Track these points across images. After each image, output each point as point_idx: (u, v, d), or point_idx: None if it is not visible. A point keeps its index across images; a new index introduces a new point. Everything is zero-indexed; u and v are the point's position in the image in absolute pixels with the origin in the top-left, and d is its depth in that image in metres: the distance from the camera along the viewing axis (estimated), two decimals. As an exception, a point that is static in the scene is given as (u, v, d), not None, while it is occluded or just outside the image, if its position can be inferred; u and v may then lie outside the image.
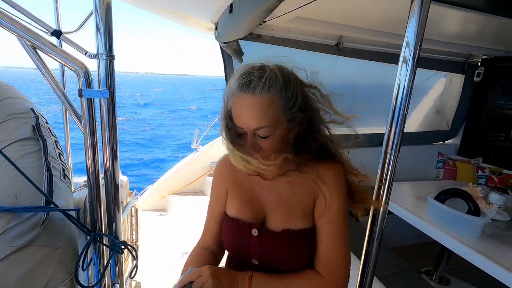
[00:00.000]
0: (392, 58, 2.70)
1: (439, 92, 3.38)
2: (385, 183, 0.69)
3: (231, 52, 2.01)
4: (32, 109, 1.15)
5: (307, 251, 0.77)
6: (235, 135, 0.74)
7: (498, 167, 2.79)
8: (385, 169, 0.68)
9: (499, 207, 1.69)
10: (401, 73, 0.63)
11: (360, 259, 0.82)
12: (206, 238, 0.91)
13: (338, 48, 2.44)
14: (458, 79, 3.18)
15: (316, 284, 0.74)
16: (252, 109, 0.67)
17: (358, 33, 2.29)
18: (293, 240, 0.75)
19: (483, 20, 1.82)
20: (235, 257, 0.86)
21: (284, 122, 0.70)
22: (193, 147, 3.74)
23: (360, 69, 2.72)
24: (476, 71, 3.01)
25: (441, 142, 3.39)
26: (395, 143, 0.66)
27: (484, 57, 2.99)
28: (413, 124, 3.45)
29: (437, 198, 1.58)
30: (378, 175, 0.68)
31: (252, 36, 2.13)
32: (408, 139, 3.25)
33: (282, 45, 2.26)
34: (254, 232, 0.78)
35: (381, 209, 0.71)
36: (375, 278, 1.24)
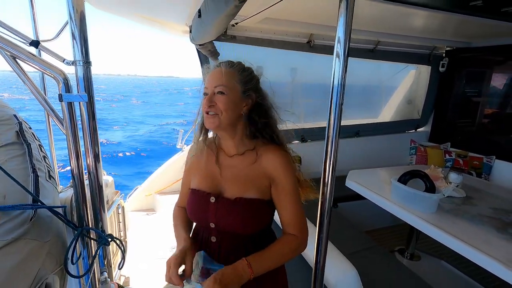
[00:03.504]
0: (360, 53, 2.86)
1: (410, 83, 3.58)
2: (329, 167, 0.78)
3: (207, 53, 2.10)
4: (15, 115, 1.22)
5: (256, 217, 0.94)
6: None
7: (464, 151, 3.00)
8: (328, 156, 0.77)
9: (457, 186, 1.85)
10: (335, 66, 0.70)
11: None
12: (182, 200, 1.13)
13: (309, 46, 2.57)
14: (426, 70, 3.38)
15: (295, 242, 0.95)
16: (218, 74, 0.93)
17: (327, 31, 2.42)
18: (245, 206, 0.92)
19: (441, 16, 1.98)
20: (196, 222, 1.04)
21: (239, 91, 0.93)
22: (178, 147, 3.81)
23: (332, 64, 2.86)
24: (441, 62, 3.21)
25: (413, 130, 3.59)
26: (335, 131, 0.74)
27: (447, 48, 3.19)
28: (387, 114, 3.63)
29: (399, 180, 1.73)
30: (323, 161, 0.79)
31: (227, 37, 2.23)
32: (382, 128, 3.43)
33: (256, 44, 2.38)
34: (212, 199, 0.95)
35: (328, 188, 0.81)
36: (341, 254, 1.38)
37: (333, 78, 0.73)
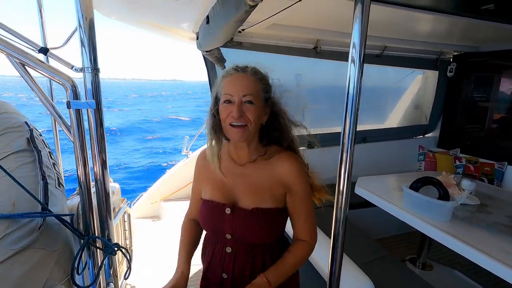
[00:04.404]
0: (367, 58, 2.84)
1: (417, 88, 3.55)
2: (345, 174, 0.76)
3: (213, 60, 2.10)
4: (26, 123, 1.21)
5: (273, 227, 0.92)
6: (218, 122, 0.92)
7: (474, 157, 2.94)
8: (343, 162, 0.75)
9: (470, 193, 1.81)
10: (350, 71, 0.69)
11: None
12: (192, 211, 1.10)
13: (316, 51, 2.57)
14: (433, 75, 3.35)
15: (305, 248, 0.96)
16: (244, 81, 0.88)
17: (334, 37, 2.41)
18: (262, 216, 0.90)
19: (450, 21, 1.96)
20: (211, 233, 1.01)
21: (262, 100, 0.90)
22: (183, 153, 3.80)
23: (339, 69, 2.85)
24: (449, 67, 3.18)
25: (421, 136, 3.54)
26: (350, 138, 0.72)
27: (455, 53, 3.16)
28: (394, 120, 3.60)
29: (411, 187, 1.69)
30: (338, 168, 0.76)
31: (233, 44, 2.23)
32: (390, 134, 3.39)
33: (262, 51, 2.37)
34: (227, 210, 0.92)
35: (344, 197, 0.79)
36: (355, 264, 1.34)
37: (348, 83, 0.71)
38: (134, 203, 3.57)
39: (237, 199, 0.94)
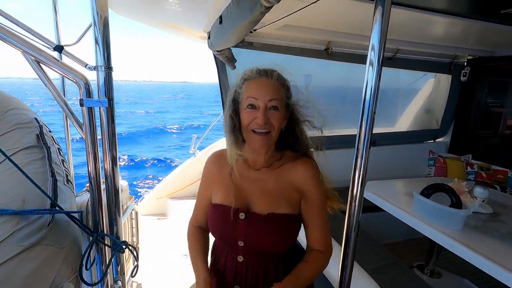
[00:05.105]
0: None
1: (428, 92, 3.49)
2: (358, 180, 0.74)
3: (224, 60, 2.10)
4: (36, 119, 1.22)
5: (288, 233, 0.90)
6: (238, 124, 0.90)
7: (486, 163, 2.87)
8: (357, 168, 0.72)
9: (483, 201, 1.76)
10: (368, 74, 0.67)
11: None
12: (197, 218, 1.05)
13: (327, 53, 2.54)
14: (445, 79, 3.29)
15: (321, 259, 0.93)
16: (269, 86, 0.86)
17: (346, 38, 2.38)
18: (277, 222, 0.87)
19: (466, 24, 1.92)
20: (221, 240, 0.97)
21: (284, 106, 0.88)
22: (191, 152, 3.81)
23: (349, 72, 2.82)
24: (463, 71, 3.11)
25: (432, 141, 3.48)
26: (365, 142, 0.71)
27: (469, 57, 3.10)
28: (404, 124, 3.54)
29: (422, 193, 1.66)
30: (352, 173, 0.75)
31: (244, 44, 2.22)
32: (400, 138, 3.33)
33: (273, 51, 2.36)
34: (241, 215, 0.89)
35: (357, 203, 0.77)
36: (363, 271, 1.32)
37: (366, 86, 0.70)
38: (140, 200, 3.60)
39: (251, 204, 0.91)
